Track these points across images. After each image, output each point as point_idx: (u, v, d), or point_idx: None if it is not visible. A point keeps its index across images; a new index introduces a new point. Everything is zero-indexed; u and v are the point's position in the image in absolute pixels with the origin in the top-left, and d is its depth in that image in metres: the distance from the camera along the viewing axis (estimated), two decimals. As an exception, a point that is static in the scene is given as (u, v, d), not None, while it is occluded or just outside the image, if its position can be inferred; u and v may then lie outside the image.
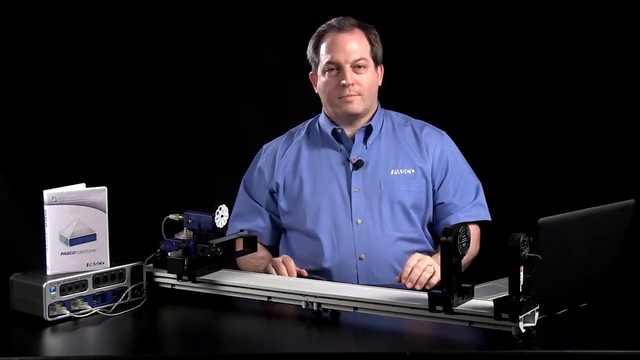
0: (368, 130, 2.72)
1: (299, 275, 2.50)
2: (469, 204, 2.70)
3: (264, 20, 3.50)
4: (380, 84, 2.74)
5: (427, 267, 2.42)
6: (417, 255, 2.46)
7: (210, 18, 3.49)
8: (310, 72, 2.76)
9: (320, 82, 2.70)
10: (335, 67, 2.65)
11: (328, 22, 2.72)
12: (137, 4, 3.46)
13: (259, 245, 2.54)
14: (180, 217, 2.33)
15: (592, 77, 3.30)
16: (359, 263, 2.63)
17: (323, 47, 2.68)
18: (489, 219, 2.73)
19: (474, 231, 2.66)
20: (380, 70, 2.73)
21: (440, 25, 3.41)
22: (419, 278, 2.41)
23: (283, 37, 3.49)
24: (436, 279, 2.41)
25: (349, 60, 2.64)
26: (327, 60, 2.66)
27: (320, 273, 2.63)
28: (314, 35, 2.73)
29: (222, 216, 2.30)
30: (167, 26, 3.49)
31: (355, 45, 2.66)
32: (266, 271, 2.52)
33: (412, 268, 2.42)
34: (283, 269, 2.48)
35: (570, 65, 3.32)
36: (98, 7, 3.45)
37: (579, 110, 3.33)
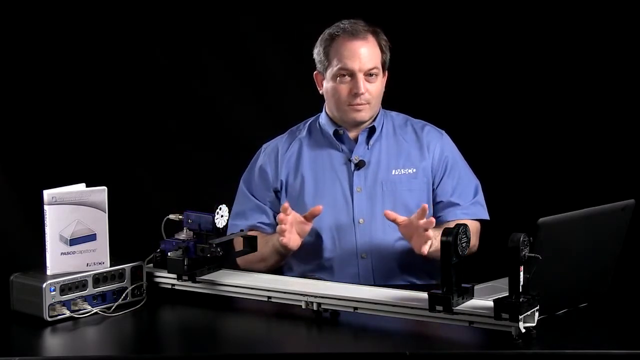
0: (371, 131, 2.72)
1: (315, 213, 2.49)
2: (468, 203, 2.71)
3: (264, 20, 3.50)
4: (383, 89, 2.73)
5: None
6: None
7: (210, 18, 3.49)
8: (315, 72, 2.74)
9: (329, 86, 2.68)
10: (348, 75, 2.63)
11: (340, 25, 2.67)
12: (137, 4, 3.46)
13: (261, 234, 2.57)
14: (180, 217, 2.33)
15: (592, 77, 3.30)
16: (360, 262, 2.63)
17: (335, 52, 2.65)
18: (487, 217, 2.73)
19: (473, 225, 2.67)
20: (385, 76, 2.73)
21: (440, 25, 3.41)
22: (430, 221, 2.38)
23: (283, 37, 3.49)
24: (431, 233, 2.40)
25: (363, 69, 2.62)
26: (339, 66, 2.63)
27: (321, 272, 2.63)
28: (325, 37, 2.69)
29: (222, 216, 2.30)
30: (167, 26, 3.49)
31: (369, 53, 2.64)
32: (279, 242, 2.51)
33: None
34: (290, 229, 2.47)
35: (570, 65, 3.32)
36: (98, 7, 3.45)
37: (579, 110, 3.33)
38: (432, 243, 2.43)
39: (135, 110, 3.51)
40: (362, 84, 2.62)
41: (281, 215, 2.46)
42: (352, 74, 2.63)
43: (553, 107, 3.36)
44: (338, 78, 2.65)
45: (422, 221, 2.40)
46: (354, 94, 2.63)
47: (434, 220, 2.40)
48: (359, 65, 2.62)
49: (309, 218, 2.51)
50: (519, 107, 3.38)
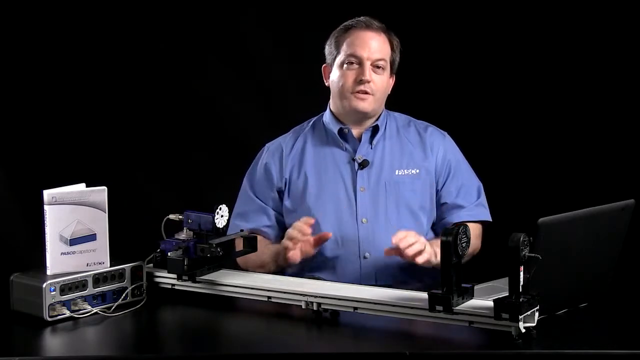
0: (374, 130, 2.72)
1: (323, 239, 2.49)
2: (472, 204, 2.71)
3: (264, 20, 3.50)
4: (389, 92, 2.74)
5: (420, 239, 2.43)
6: (411, 232, 2.46)
7: (210, 18, 3.49)
8: (324, 65, 2.75)
9: (336, 74, 2.69)
10: (356, 62, 2.65)
11: (356, 19, 2.70)
12: (138, 4, 3.46)
13: (263, 238, 2.55)
14: (180, 217, 2.33)
15: (592, 77, 3.30)
16: (362, 262, 2.63)
17: (347, 41, 2.67)
18: (490, 219, 2.73)
19: (476, 228, 2.67)
20: (392, 80, 2.74)
21: (442, 28, 3.42)
22: (411, 245, 2.40)
23: (283, 37, 3.49)
24: (425, 257, 2.42)
25: (371, 58, 2.64)
26: (349, 53, 2.65)
27: (323, 271, 2.63)
28: (339, 28, 2.72)
29: (222, 216, 2.30)
30: (167, 25, 3.49)
31: (379, 45, 2.66)
32: (281, 250, 2.52)
33: (406, 235, 2.42)
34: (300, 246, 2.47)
35: (570, 65, 3.32)
36: (98, 7, 3.45)
37: (579, 110, 3.33)
38: (432, 253, 2.45)
39: (135, 110, 3.51)
40: (369, 72, 2.63)
41: (296, 235, 2.46)
42: (360, 62, 2.64)
43: (553, 107, 3.36)
44: (345, 65, 2.66)
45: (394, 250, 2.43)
46: (360, 80, 2.63)
47: (401, 245, 2.41)
48: (367, 53, 2.64)
49: (317, 243, 2.49)
50: (520, 108, 3.38)
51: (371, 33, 2.67)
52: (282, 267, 2.63)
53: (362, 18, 2.70)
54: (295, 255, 2.47)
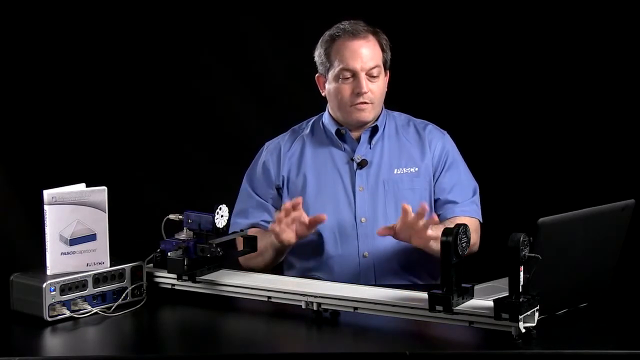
0: (373, 130, 2.72)
1: (318, 220, 2.48)
2: (467, 200, 2.71)
3: (264, 20, 3.50)
4: (385, 89, 2.74)
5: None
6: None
7: (210, 18, 3.49)
8: (317, 75, 2.74)
9: (332, 87, 2.68)
10: (351, 75, 2.64)
11: (340, 26, 2.68)
12: (137, 4, 3.47)
13: (262, 230, 2.55)
14: (180, 217, 2.33)
15: (592, 77, 3.30)
16: (362, 261, 2.63)
17: (336, 52, 2.65)
18: (481, 220, 2.72)
19: (473, 223, 2.67)
20: (387, 76, 2.73)
21: (441, 26, 3.42)
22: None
23: (283, 37, 3.49)
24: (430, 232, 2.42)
25: (365, 68, 2.63)
26: (341, 66, 2.63)
27: (322, 271, 2.63)
28: (325, 38, 2.70)
29: (222, 216, 2.30)
30: (167, 25, 3.50)
31: (370, 52, 2.64)
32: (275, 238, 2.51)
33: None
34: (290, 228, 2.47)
35: (570, 65, 3.32)
36: (98, 7, 3.45)
37: (579, 110, 3.33)
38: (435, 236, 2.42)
39: (135, 110, 3.51)
40: (365, 83, 2.62)
41: (280, 215, 2.45)
42: (354, 74, 2.63)
43: (553, 107, 3.36)
44: (340, 79, 2.65)
45: (422, 222, 2.40)
46: (357, 93, 2.63)
47: (436, 218, 2.40)
48: (360, 64, 2.63)
49: (312, 224, 2.49)
50: (519, 108, 3.39)
51: (359, 41, 2.65)
52: (280, 258, 2.63)
53: (346, 25, 2.67)
54: (288, 236, 2.46)
